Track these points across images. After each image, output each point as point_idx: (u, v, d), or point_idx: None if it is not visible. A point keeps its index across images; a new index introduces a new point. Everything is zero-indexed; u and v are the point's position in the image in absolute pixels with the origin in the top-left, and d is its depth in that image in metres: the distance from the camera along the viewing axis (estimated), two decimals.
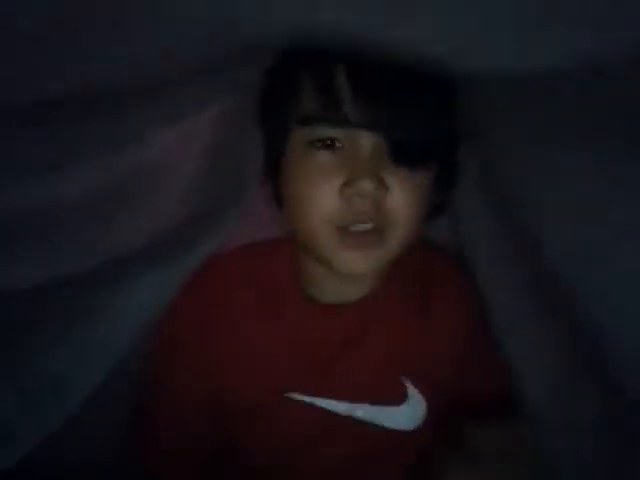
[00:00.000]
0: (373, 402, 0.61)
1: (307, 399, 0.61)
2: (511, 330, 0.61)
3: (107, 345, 0.52)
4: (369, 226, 0.51)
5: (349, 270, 0.53)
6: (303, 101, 0.51)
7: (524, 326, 0.58)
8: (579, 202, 0.45)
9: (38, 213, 0.47)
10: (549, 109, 0.45)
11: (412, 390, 0.62)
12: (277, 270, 0.63)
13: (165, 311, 0.60)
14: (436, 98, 0.50)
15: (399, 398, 0.62)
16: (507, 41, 0.38)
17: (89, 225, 0.51)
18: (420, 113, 0.50)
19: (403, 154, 0.50)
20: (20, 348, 0.48)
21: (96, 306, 0.51)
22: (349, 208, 0.50)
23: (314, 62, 0.50)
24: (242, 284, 0.62)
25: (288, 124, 0.52)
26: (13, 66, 0.36)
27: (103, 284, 0.51)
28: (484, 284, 0.63)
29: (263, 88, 0.55)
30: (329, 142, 0.50)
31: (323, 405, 0.61)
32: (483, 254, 0.63)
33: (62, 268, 0.49)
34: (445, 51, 0.41)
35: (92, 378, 0.52)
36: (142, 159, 0.52)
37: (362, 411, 0.61)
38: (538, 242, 0.52)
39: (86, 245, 0.51)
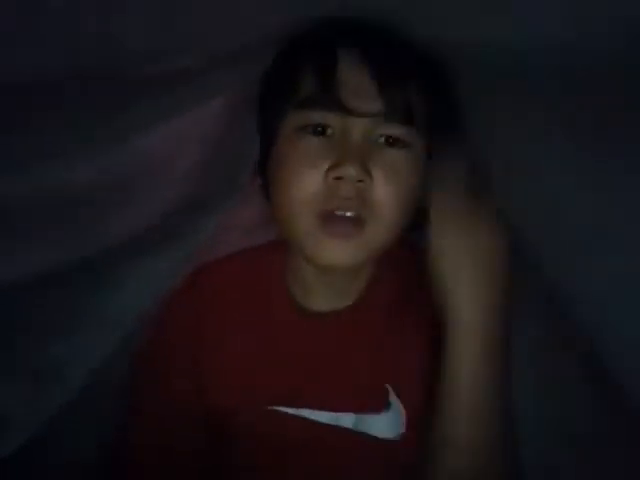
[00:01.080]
0: (357, 411, 0.61)
1: (291, 411, 0.61)
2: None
3: (105, 332, 0.53)
4: (351, 214, 0.51)
5: (328, 259, 0.52)
6: (302, 85, 0.51)
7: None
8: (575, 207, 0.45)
9: (38, 201, 0.47)
10: (548, 111, 0.45)
11: (393, 398, 0.61)
12: (266, 277, 0.63)
13: (154, 318, 0.60)
14: (432, 84, 0.52)
15: (382, 406, 0.61)
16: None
17: (88, 215, 0.52)
18: (424, 100, 0.51)
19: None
20: (18, 335, 0.49)
21: (88, 298, 0.52)
22: (333, 193, 0.50)
23: (316, 47, 0.51)
24: (231, 293, 0.63)
25: (285, 108, 0.52)
26: (13, 51, 0.36)
27: (101, 274, 0.52)
28: None
29: (265, 72, 0.56)
30: (320, 128, 0.51)
31: (307, 415, 0.61)
32: None
33: (61, 257, 0.50)
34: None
35: (90, 364, 0.52)
36: (140, 152, 0.52)
37: (346, 420, 0.61)
38: (535, 243, 0.52)
39: (84, 234, 0.52)
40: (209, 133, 0.57)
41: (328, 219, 0.51)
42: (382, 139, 0.52)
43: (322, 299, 0.61)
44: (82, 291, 0.52)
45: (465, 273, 0.51)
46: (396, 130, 0.51)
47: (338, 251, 0.52)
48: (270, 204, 0.57)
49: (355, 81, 0.50)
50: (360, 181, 0.50)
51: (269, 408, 0.61)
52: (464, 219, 0.52)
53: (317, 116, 0.51)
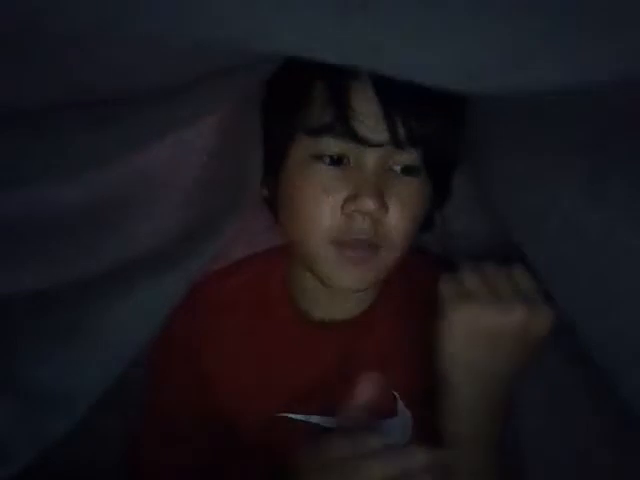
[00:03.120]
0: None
1: (299, 417, 0.62)
2: None
3: (108, 355, 0.52)
4: (366, 241, 0.51)
5: (345, 286, 0.54)
6: (313, 111, 0.50)
7: None
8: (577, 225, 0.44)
9: (38, 218, 0.47)
10: (548, 127, 0.45)
11: (401, 405, 0.62)
12: (269, 286, 0.63)
13: (159, 327, 0.59)
14: (449, 115, 0.51)
15: (390, 412, 0.62)
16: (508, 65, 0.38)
17: (89, 232, 0.51)
18: (439, 131, 0.50)
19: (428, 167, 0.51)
20: (20, 357, 0.48)
21: (94, 316, 0.51)
22: (349, 224, 0.51)
23: (328, 72, 0.48)
24: (234, 302, 0.63)
25: (293, 132, 0.52)
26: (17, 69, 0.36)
27: (103, 292, 0.51)
28: None
29: (270, 91, 0.54)
30: (337, 158, 0.50)
31: (316, 422, 0.62)
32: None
33: (62, 275, 0.49)
34: (458, 75, 0.40)
35: (93, 388, 0.51)
36: (141, 167, 0.51)
37: None
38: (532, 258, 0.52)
39: (86, 252, 0.51)
40: (209, 148, 0.54)
41: (343, 246, 0.51)
42: (396, 167, 0.52)
43: (326, 309, 0.62)
44: (77, 313, 0.51)
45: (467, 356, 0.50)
46: (409, 157, 0.51)
47: (352, 276, 0.53)
48: (277, 218, 0.58)
49: (368, 110, 0.48)
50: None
51: (277, 415, 0.62)
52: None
53: (333, 146, 0.50)
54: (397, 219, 0.51)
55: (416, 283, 0.64)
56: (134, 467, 0.62)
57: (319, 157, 0.51)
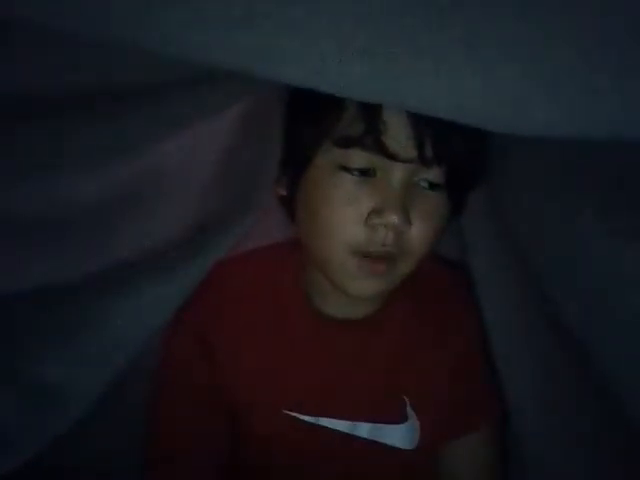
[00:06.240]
0: (375, 420, 0.62)
1: (308, 418, 0.62)
2: (509, 351, 0.61)
3: (110, 353, 0.52)
4: (386, 253, 0.51)
5: (359, 294, 0.54)
6: (344, 120, 0.50)
7: (523, 348, 0.58)
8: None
9: (45, 215, 0.47)
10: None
11: (410, 410, 0.62)
12: (282, 280, 0.62)
13: (171, 322, 0.60)
14: (478, 136, 0.50)
15: (400, 416, 0.62)
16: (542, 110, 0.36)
17: (97, 229, 0.51)
18: (466, 150, 0.50)
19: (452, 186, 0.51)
20: (21, 354, 0.48)
21: (99, 313, 0.51)
22: (372, 237, 0.50)
23: None
24: (246, 295, 0.62)
25: (321, 139, 0.51)
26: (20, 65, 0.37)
27: (108, 290, 0.51)
28: (483, 300, 0.63)
29: (299, 93, 0.53)
30: (365, 170, 0.50)
31: (325, 424, 0.62)
32: (483, 271, 0.63)
33: (67, 271, 0.49)
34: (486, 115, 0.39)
35: (94, 385, 0.52)
36: (154, 164, 0.51)
37: (363, 429, 0.62)
38: (537, 268, 0.51)
39: (93, 249, 0.51)
40: (223, 146, 0.54)
41: (364, 258, 0.51)
42: (423, 183, 0.51)
43: (339, 307, 0.61)
44: (87, 309, 0.51)
45: None
46: (435, 174, 0.51)
47: (368, 286, 0.53)
48: (292, 218, 0.57)
49: (399, 126, 0.48)
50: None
51: (285, 412, 0.62)
52: None
53: (361, 158, 0.49)
54: (419, 233, 0.51)
55: (430, 288, 0.64)
56: (147, 459, 0.62)
57: (346, 168, 0.50)
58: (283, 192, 0.57)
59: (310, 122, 0.52)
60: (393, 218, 0.49)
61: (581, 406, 0.53)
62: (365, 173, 0.50)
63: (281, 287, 0.62)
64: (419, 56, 0.34)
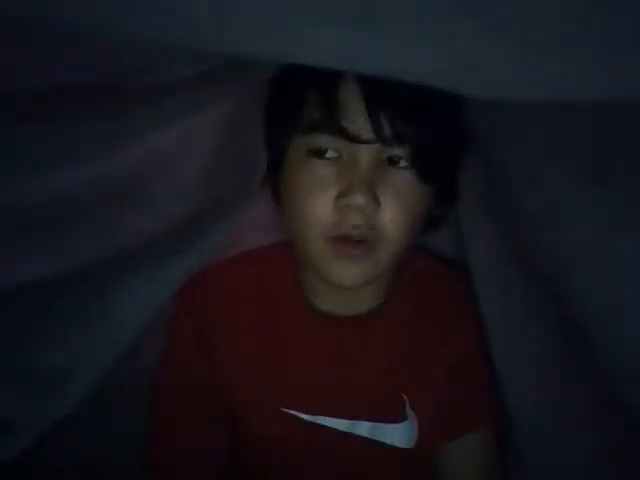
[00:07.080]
0: (374, 419, 0.62)
1: (307, 417, 0.62)
2: (508, 350, 0.60)
3: (106, 343, 0.53)
4: (360, 237, 0.51)
5: (338, 280, 0.53)
6: (307, 111, 0.52)
7: (522, 347, 0.58)
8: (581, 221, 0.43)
9: (38, 209, 0.48)
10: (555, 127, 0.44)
11: (409, 408, 0.62)
12: (280, 279, 0.63)
13: (170, 322, 0.61)
14: (443, 113, 0.51)
15: (399, 415, 0.62)
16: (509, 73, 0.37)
17: (89, 222, 0.52)
18: (428, 129, 0.50)
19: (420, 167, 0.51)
20: (20, 343, 0.49)
21: (99, 298, 0.52)
22: (342, 220, 0.51)
23: (321, 73, 0.49)
24: (245, 295, 0.63)
25: (290, 132, 0.53)
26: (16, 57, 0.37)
27: (102, 282, 0.52)
28: (482, 297, 0.63)
29: (269, 94, 0.56)
30: (326, 152, 0.51)
31: (324, 423, 0.62)
32: (482, 268, 0.62)
33: (62, 265, 0.50)
34: (450, 79, 0.39)
35: (92, 374, 0.52)
36: (144, 157, 0.52)
37: (363, 428, 0.62)
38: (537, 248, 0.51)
39: (86, 243, 0.52)
40: (218, 135, 0.56)
41: (337, 242, 0.52)
42: (390, 163, 0.52)
43: (335, 305, 0.61)
44: (86, 297, 0.52)
45: None
46: (400, 153, 0.51)
47: (347, 272, 0.53)
48: (282, 212, 0.58)
49: (356, 108, 0.49)
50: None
51: (284, 411, 0.62)
52: None
53: (323, 141, 0.51)
54: (391, 213, 0.51)
55: (429, 285, 0.63)
56: (148, 459, 0.63)
57: (314, 153, 0.51)
58: (269, 184, 0.59)
59: (279, 116, 0.55)
60: (359, 199, 0.49)
61: (581, 406, 0.52)
62: (332, 157, 0.51)
63: (280, 287, 0.63)
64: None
